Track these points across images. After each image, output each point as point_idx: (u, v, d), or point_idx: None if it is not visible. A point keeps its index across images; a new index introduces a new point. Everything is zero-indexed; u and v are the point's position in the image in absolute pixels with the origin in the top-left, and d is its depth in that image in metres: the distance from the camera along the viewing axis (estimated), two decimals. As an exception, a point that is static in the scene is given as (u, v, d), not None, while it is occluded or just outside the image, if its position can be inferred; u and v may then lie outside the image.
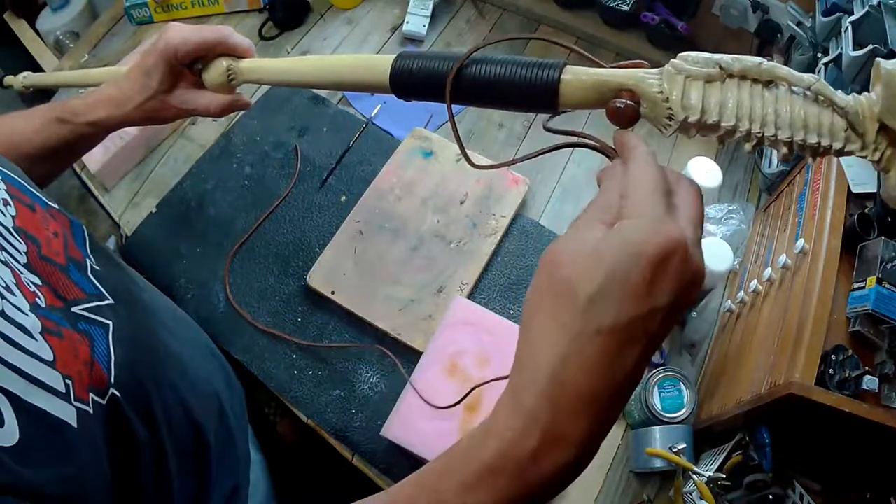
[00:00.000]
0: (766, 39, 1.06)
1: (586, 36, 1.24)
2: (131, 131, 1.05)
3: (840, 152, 0.37)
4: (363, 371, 0.89)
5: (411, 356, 0.88)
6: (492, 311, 0.88)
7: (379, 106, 1.14)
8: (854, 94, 0.37)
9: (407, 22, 1.23)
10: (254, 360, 0.91)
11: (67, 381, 0.42)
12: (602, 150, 0.41)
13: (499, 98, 0.45)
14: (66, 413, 0.41)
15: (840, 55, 0.82)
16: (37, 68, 1.26)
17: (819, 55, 0.91)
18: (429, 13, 1.23)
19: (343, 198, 1.04)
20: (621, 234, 0.30)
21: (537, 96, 0.43)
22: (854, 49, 0.78)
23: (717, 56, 0.38)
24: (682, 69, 0.40)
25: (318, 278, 0.94)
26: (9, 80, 1.04)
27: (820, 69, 0.88)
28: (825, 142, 0.37)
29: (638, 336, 0.30)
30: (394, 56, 0.51)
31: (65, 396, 0.41)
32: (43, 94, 1.27)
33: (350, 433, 0.85)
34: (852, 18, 0.81)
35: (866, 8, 0.78)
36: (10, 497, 0.35)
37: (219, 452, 0.63)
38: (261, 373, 0.90)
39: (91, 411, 0.43)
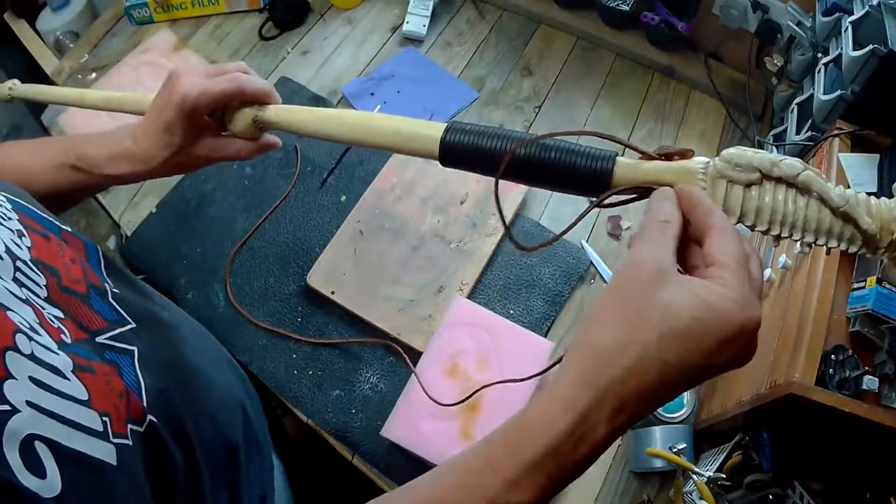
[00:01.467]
0: (766, 39, 1.06)
1: (586, 36, 1.24)
2: (131, 131, 1.05)
3: (854, 255, 0.43)
4: (363, 371, 0.89)
5: (411, 356, 0.88)
6: (492, 311, 0.88)
7: (379, 106, 1.14)
8: (878, 205, 0.42)
9: (407, 22, 1.23)
10: (254, 359, 0.91)
11: (104, 418, 0.41)
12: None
13: (549, 181, 0.48)
14: (106, 452, 0.40)
15: (840, 55, 0.82)
16: (37, 68, 1.26)
17: (819, 55, 0.91)
18: (429, 13, 1.24)
19: (343, 198, 1.04)
20: (716, 295, 0.33)
21: (589, 185, 0.46)
22: (854, 49, 0.78)
23: (759, 161, 0.42)
24: (726, 175, 0.42)
25: (318, 278, 0.94)
26: None
27: (820, 69, 0.88)
28: (843, 247, 0.42)
29: (687, 379, 0.34)
30: (444, 126, 0.51)
31: (103, 435, 0.40)
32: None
33: (350, 433, 0.85)
34: (852, 18, 0.81)
35: (866, 8, 0.78)
36: None
37: (247, 463, 0.62)
38: (261, 373, 0.90)
39: (130, 443, 0.42)
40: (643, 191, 0.44)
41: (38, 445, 0.35)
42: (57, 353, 0.40)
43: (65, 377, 0.39)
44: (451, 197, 1.01)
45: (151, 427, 0.45)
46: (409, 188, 1.02)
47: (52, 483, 0.35)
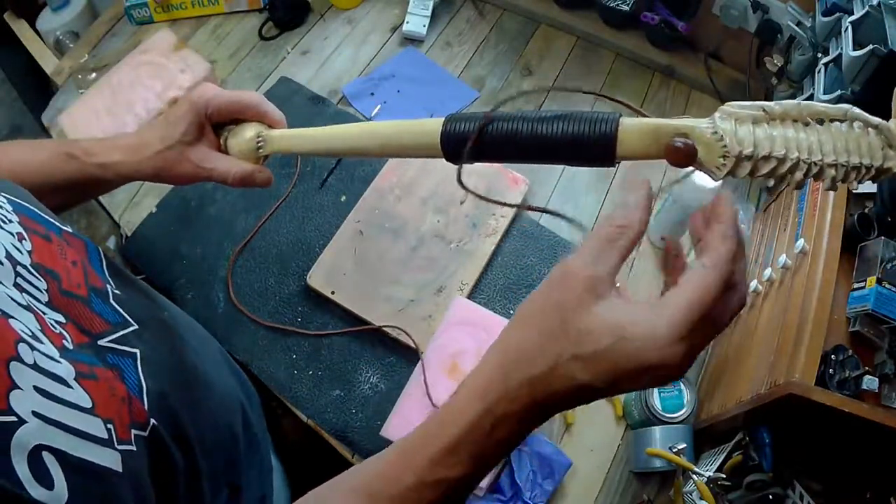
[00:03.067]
0: (766, 39, 1.06)
1: (586, 36, 1.24)
2: (131, 129, 1.06)
3: (880, 170, 0.41)
4: (363, 371, 0.89)
5: (411, 356, 0.88)
6: (492, 311, 0.88)
7: (379, 106, 1.14)
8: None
9: (407, 22, 1.23)
10: (254, 360, 0.91)
11: (108, 425, 0.41)
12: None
13: (553, 154, 0.45)
14: (111, 460, 0.40)
15: (840, 55, 0.82)
16: (37, 68, 1.26)
17: (819, 55, 0.91)
18: (429, 13, 1.24)
19: (343, 198, 1.04)
20: (639, 329, 0.34)
21: (596, 150, 0.43)
22: (854, 49, 0.78)
23: (758, 102, 0.42)
24: (730, 113, 0.42)
25: (318, 278, 0.94)
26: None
27: (820, 69, 0.88)
28: (866, 161, 0.41)
29: (593, 396, 0.36)
30: (441, 120, 0.50)
31: (108, 443, 0.40)
32: (39, 92, 1.27)
33: (350, 433, 0.85)
34: (852, 18, 0.81)
35: (866, 8, 0.78)
36: None
37: (247, 464, 0.62)
38: (261, 373, 0.90)
39: (135, 449, 0.42)
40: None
41: (46, 456, 0.35)
42: (59, 362, 0.40)
43: (68, 385, 0.39)
44: (451, 197, 1.01)
45: (154, 431, 0.45)
46: (409, 188, 1.02)
47: (59, 493, 0.35)
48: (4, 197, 0.48)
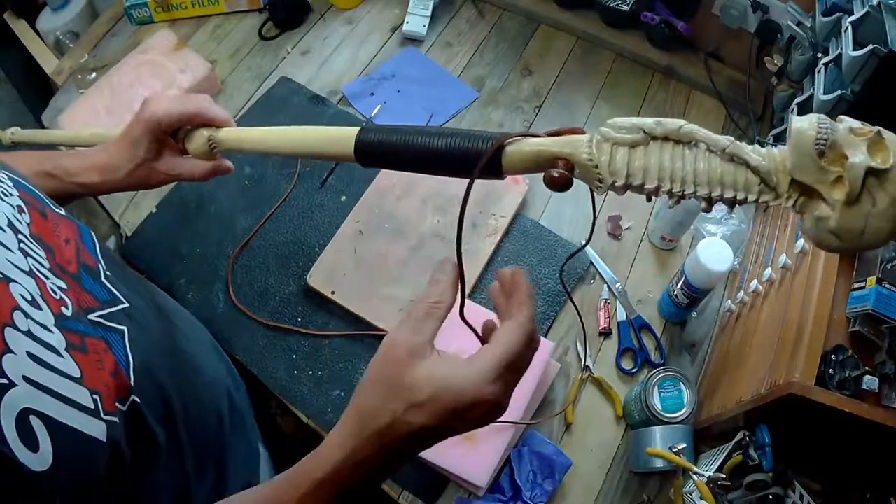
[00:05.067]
0: (766, 39, 1.06)
1: (586, 36, 1.24)
2: (131, 131, 1.05)
3: (756, 202, 0.41)
4: (363, 371, 0.89)
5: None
6: (492, 311, 0.88)
7: (379, 106, 1.14)
8: (769, 147, 0.41)
9: (407, 22, 1.23)
10: (254, 360, 0.91)
11: (95, 396, 0.42)
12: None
13: (447, 167, 0.49)
14: (97, 430, 0.41)
15: (840, 55, 0.82)
16: (37, 68, 1.26)
17: (819, 55, 0.91)
18: (429, 13, 1.24)
19: (343, 198, 1.04)
20: (457, 376, 0.42)
21: (485, 167, 0.47)
22: (854, 49, 0.78)
23: (641, 121, 0.42)
24: (609, 137, 0.43)
25: (318, 278, 0.94)
26: None
27: (820, 69, 0.88)
28: (741, 196, 0.41)
29: (433, 436, 0.44)
30: (357, 129, 0.54)
31: (94, 413, 0.42)
32: (39, 92, 1.27)
33: (350, 433, 0.85)
34: (852, 18, 0.81)
35: (866, 8, 0.78)
36: None
37: (233, 449, 0.63)
38: (261, 373, 0.90)
39: (118, 421, 0.44)
40: (548, 165, 0.46)
41: (34, 420, 0.37)
42: (52, 332, 0.41)
43: (59, 355, 0.41)
44: (451, 197, 1.01)
45: (134, 406, 0.46)
46: (409, 188, 1.02)
47: (44, 457, 0.36)
48: (5, 173, 0.50)
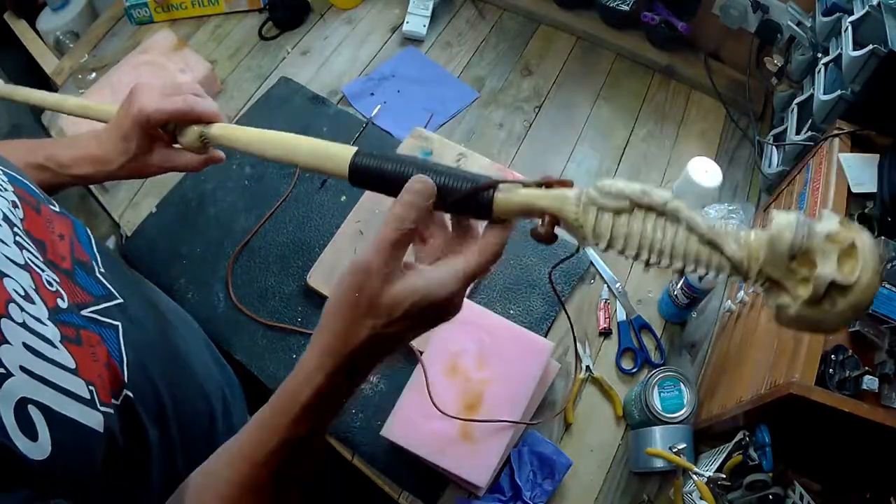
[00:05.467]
0: (766, 39, 1.06)
1: (586, 36, 1.24)
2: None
3: (728, 276, 0.44)
4: (363, 371, 0.89)
5: (411, 356, 0.88)
6: (492, 310, 0.88)
7: (379, 106, 1.14)
8: (747, 235, 0.42)
9: (407, 22, 1.23)
10: (254, 360, 0.91)
11: (91, 387, 0.43)
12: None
13: (442, 204, 0.50)
14: (94, 420, 0.42)
15: (840, 55, 0.82)
16: (37, 68, 1.26)
17: (819, 55, 0.91)
18: (429, 13, 1.24)
19: (343, 198, 1.04)
20: (431, 283, 0.45)
21: (475, 208, 0.49)
22: (854, 49, 0.78)
23: (629, 189, 0.44)
24: (596, 202, 0.45)
25: (318, 278, 0.94)
26: None
27: (820, 69, 0.88)
28: (712, 274, 0.44)
29: (403, 340, 0.48)
30: (354, 150, 0.56)
31: (91, 403, 0.42)
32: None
33: (350, 433, 0.85)
34: (852, 18, 0.81)
35: (866, 8, 0.78)
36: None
37: None
38: (261, 373, 0.90)
39: (113, 413, 0.44)
40: (537, 214, 0.48)
41: (32, 409, 0.37)
42: (46, 325, 0.42)
43: (54, 346, 0.41)
44: (451, 197, 1.01)
45: (127, 401, 0.47)
46: (409, 188, 1.02)
47: (42, 446, 0.37)
48: (0, 169, 0.50)
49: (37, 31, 1.31)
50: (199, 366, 0.65)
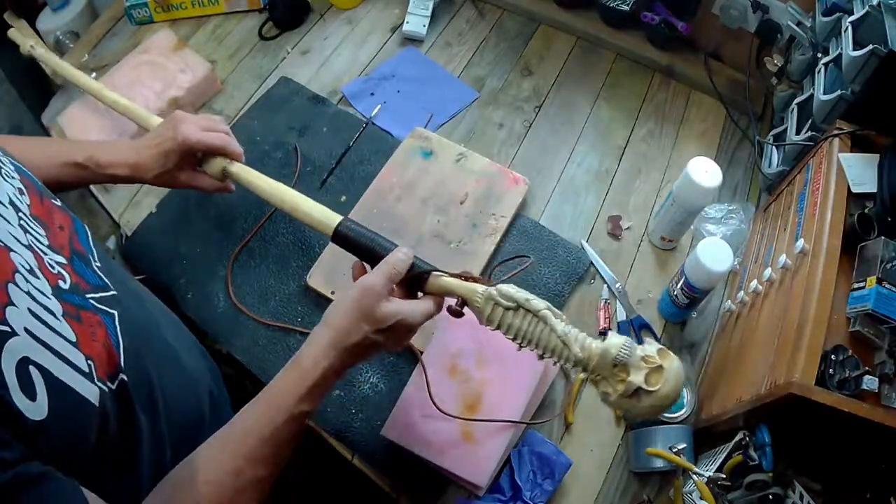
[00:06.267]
0: (766, 39, 1.06)
1: (586, 36, 1.24)
2: (131, 131, 1.06)
3: (570, 368, 0.65)
4: (363, 371, 0.89)
5: (411, 356, 0.88)
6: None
7: (379, 106, 1.14)
8: (589, 343, 0.62)
9: (407, 22, 1.23)
10: (254, 360, 0.91)
11: (89, 361, 0.44)
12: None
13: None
14: (90, 392, 0.43)
15: (840, 55, 0.82)
16: (37, 68, 1.26)
17: (819, 55, 0.91)
18: (429, 13, 1.24)
19: (343, 198, 1.04)
20: (408, 309, 0.64)
21: (416, 284, 0.68)
22: (854, 49, 0.78)
23: (517, 295, 0.63)
24: (495, 300, 0.64)
25: (318, 278, 0.94)
26: (15, 35, 1.10)
27: (820, 69, 0.88)
28: (563, 364, 0.63)
29: (379, 348, 0.64)
30: (339, 218, 0.74)
31: (89, 376, 0.43)
32: (39, 92, 1.27)
33: (350, 433, 0.85)
34: (852, 18, 0.81)
35: (866, 8, 0.78)
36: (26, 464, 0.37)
37: None
38: (261, 373, 0.90)
39: (107, 391, 0.46)
40: (451, 296, 0.68)
41: (33, 370, 0.39)
42: (49, 298, 0.44)
43: (57, 318, 0.43)
44: (451, 197, 1.01)
45: (122, 385, 0.48)
46: (409, 188, 1.02)
47: (40, 407, 0.38)
48: (7, 158, 0.53)
49: (37, 31, 1.31)
50: (187, 360, 0.67)
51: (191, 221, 1.02)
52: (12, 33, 1.13)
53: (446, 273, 0.68)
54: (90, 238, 0.58)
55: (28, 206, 0.50)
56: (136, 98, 1.06)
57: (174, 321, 0.73)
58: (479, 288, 0.65)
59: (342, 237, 0.73)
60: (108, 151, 0.80)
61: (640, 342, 0.63)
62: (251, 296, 0.96)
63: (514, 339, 0.65)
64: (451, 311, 0.68)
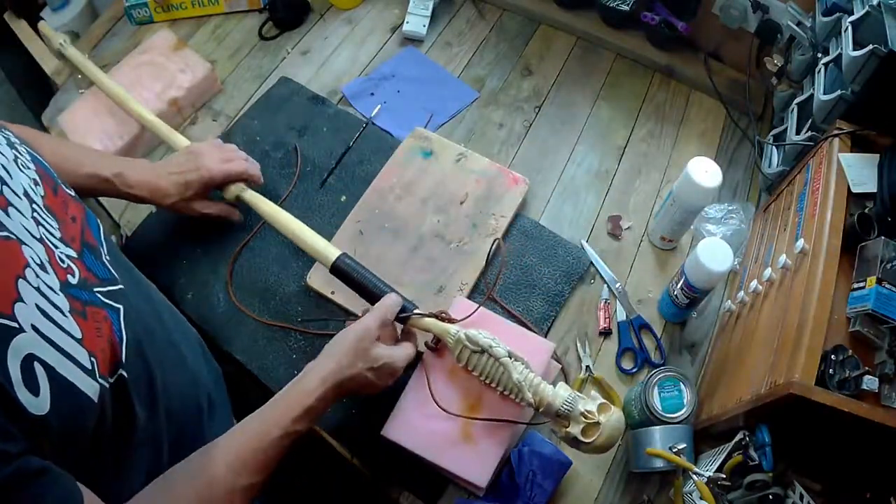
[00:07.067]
0: (766, 39, 1.06)
1: (586, 36, 1.24)
2: (131, 131, 1.06)
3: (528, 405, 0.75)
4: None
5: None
6: (491, 311, 0.88)
7: (379, 106, 1.14)
8: (543, 390, 0.73)
9: (407, 22, 1.23)
10: (254, 359, 0.91)
11: (93, 358, 0.45)
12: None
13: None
14: (91, 389, 0.44)
15: (840, 55, 0.82)
16: (37, 68, 1.26)
17: (819, 55, 0.91)
18: (429, 13, 1.24)
19: (343, 198, 1.04)
20: (393, 354, 0.74)
21: (396, 317, 0.78)
22: (854, 49, 0.78)
23: (483, 341, 0.75)
24: (464, 342, 0.75)
25: (318, 278, 0.94)
26: (45, 28, 1.13)
27: (820, 69, 0.88)
28: (520, 401, 0.74)
29: (368, 387, 0.73)
30: (339, 253, 0.85)
31: (91, 373, 0.44)
32: (39, 92, 1.27)
33: (350, 433, 0.85)
34: (852, 18, 0.81)
35: (866, 8, 0.78)
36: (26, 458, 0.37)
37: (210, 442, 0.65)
38: (261, 373, 0.90)
39: (107, 387, 0.47)
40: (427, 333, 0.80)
41: (37, 366, 0.40)
42: (58, 294, 0.44)
43: (64, 314, 0.44)
44: (451, 197, 1.01)
45: (121, 380, 0.49)
46: (409, 188, 1.02)
47: (42, 402, 0.39)
48: (24, 147, 0.54)
49: (37, 31, 1.31)
50: (189, 358, 0.68)
51: (191, 221, 1.02)
52: (42, 26, 1.13)
53: (425, 314, 0.80)
54: (101, 230, 0.59)
55: (42, 196, 0.51)
56: (137, 99, 1.06)
57: (179, 318, 0.74)
58: (452, 329, 0.77)
59: (338, 270, 0.84)
60: (135, 171, 0.85)
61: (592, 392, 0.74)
62: (251, 296, 0.96)
63: (479, 376, 0.76)
64: (427, 346, 0.81)
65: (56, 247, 0.48)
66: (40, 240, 0.46)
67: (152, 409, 0.55)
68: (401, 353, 0.74)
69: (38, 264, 0.44)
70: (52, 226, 0.49)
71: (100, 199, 1.08)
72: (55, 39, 1.10)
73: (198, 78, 1.12)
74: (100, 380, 0.45)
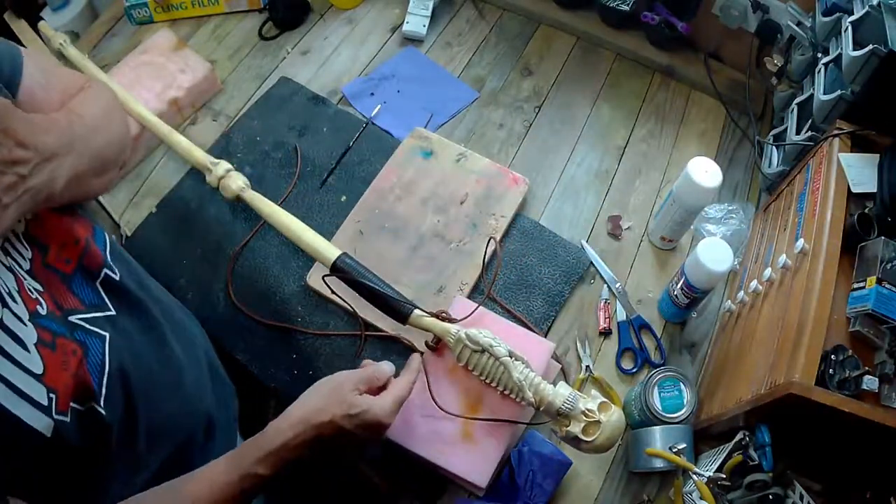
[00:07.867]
0: (766, 39, 1.06)
1: (586, 36, 1.24)
2: (131, 131, 1.05)
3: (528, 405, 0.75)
4: (363, 371, 0.89)
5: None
6: (491, 311, 0.88)
7: (379, 106, 1.14)
8: (543, 389, 0.73)
9: (407, 22, 1.23)
10: (254, 360, 0.91)
11: (52, 394, 0.45)
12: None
13: (382, 307, 0.82)
14: (42, 425, 0.44)
15: (840, 55, 0.82)
16: (37, 68, 1.26)
17: (819, 55, 0.91)
18: (429, 13, 1.24)
19: (343, 198, 1.04)
20: (375, 406, 0.65)
21: (398, 316, 0.80)
22: (854, 49, 0.78)
23: (483, 341, 0.74)
24: (465, 341, 0.75)
25: (318, 278, 0.94)
26: (45, 28, 1.13)
27: (820, 69, 0.88)
28: (519, 400, 0.74)
29: (344, 439, 0.65)
30: (338, 253, 0.85)
31: (46, 410, 0.45)
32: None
33: (350, 433, 0.85)
34: (852, 18, 0.81)
35: (866, 8, 0.78)
36: None
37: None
38: (261, 373, 0.90)
39: (68, 420, 0.47)
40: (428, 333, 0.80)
41: None
42: (25, 325, 0.45)
43: (26, 349, 0.44)
44: (451, 197, 1.01)
45: (92, 410, 0.50)
46: (409, 188, 1.02)
47: None
48: None
49: (37, 31, 1.31)
50: (190, 385, 0.67)
51: (191, 221, 1.02)
52: (43, 26, 1.13)
53: (425, 314, 0.79)
54: (108, 248, 0.60)
55: (25, 221, 0.50)
56: (136, 98, 1.06)
57: (189, 336, 0.73)
58: (452, 328, 0.77)
59: (339, 270, 0.84)
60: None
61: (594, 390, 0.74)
62: (251, 296, 0.95)
63: (479, 375, 0.76)
64: (427, 346, 0.81)
65: (24, 278, 0.48)
66: (9, 268, 0.46)
67: (131, 437, 0.56)
68: (385, 403, 0.66)
69: (7, 293, 0.44)
70: (24, 256, 0.49)
71: (99, 198, 1.08)
72: (55, 39, 1.10)
73: (198, 78, 1.12)
74: (56, 416, 0.46)
